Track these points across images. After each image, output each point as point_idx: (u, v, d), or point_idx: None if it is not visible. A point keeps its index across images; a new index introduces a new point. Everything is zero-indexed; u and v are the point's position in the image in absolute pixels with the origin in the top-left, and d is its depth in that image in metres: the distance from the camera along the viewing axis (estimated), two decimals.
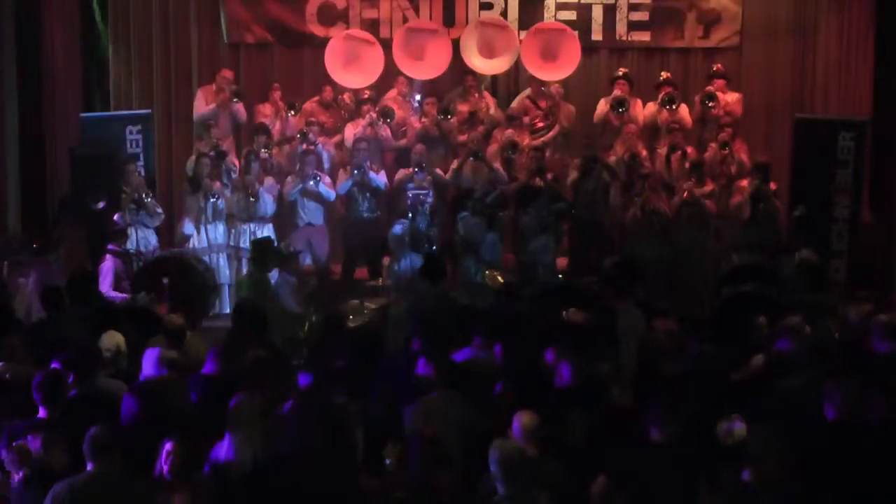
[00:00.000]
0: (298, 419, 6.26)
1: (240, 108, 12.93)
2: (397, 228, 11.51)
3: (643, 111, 12.86)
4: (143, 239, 11.77)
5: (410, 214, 11.65)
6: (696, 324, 8.53)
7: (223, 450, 5.95)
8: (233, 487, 5.79)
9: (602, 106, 12.83)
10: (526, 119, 13.02)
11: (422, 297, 9.36)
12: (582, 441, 6.28)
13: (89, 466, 5.55)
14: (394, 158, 12.87)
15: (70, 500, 5.42)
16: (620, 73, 13.02)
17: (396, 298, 10.59)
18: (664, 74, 13.13)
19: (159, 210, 11.97)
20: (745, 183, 11.90)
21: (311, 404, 6.39)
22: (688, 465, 5.78)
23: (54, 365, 6.79)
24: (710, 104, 12.57)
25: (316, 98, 13.10)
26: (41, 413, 6.36)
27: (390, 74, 13.11)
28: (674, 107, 12.54)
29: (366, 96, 12.88)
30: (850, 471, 5.87)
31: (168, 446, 5.73)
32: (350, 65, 12.95)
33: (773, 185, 11.92)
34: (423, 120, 12.79)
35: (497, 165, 12.20)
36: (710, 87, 12.74)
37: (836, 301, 9.53)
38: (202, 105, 12.90)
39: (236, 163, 12.44)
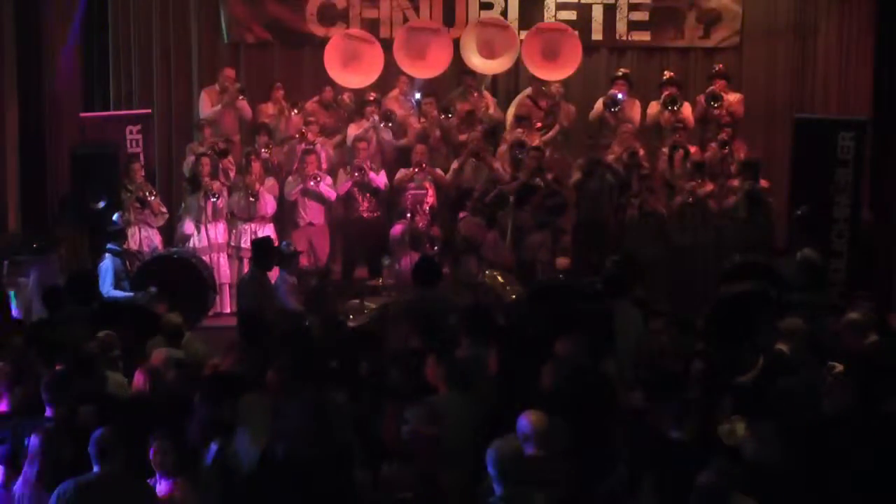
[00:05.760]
0: (298, 418, 6.25)
1: (244, 105, 12.93)
2: (397, 228, 11.50)
3: (649, 110, 12.84)
4: (146, 238, 11.81)
5: (410, 214, 11.66)
6: (696, 324, 8.49)
7: (231, 445, 5.97)
8: (239, 483, 5.81)
9: (599, 105, 12.85)
10: None
11: (420, 298, 9.34)
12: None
13: (96, 468, 5.55)
14: (394, 158, 12.87)
15: (75, 500, 5.41)
16: (620, 73, 13.03)
17: (396, 298, 10.59)
18: (667, 74, 13.11)
19: (163, 209, 12.02)
20: (736, 182, 11.89)
21: (310, 404, 6.38)
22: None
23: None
24: (715, 104, 12.57)
25: (316, 98, 13.10)
26: (47, 412, 6.34)
27: (391, 74, 13.12)
28: (676, 108, 12.54)
29: (371, 98, 12.82)
30: (851, 469, 5.86)
31: (154, 444, 5.73)
32: (349, 64, 12.95)
33: (764, 183, 11.90)
34: (423, 121, 12.79)
35: (498, 165, 12.20)
36: (713, 87, 12.73)
37: (837, 301, 9.52)
38: (207, 107, 12.90)
39: (232, 160, 12.44)
